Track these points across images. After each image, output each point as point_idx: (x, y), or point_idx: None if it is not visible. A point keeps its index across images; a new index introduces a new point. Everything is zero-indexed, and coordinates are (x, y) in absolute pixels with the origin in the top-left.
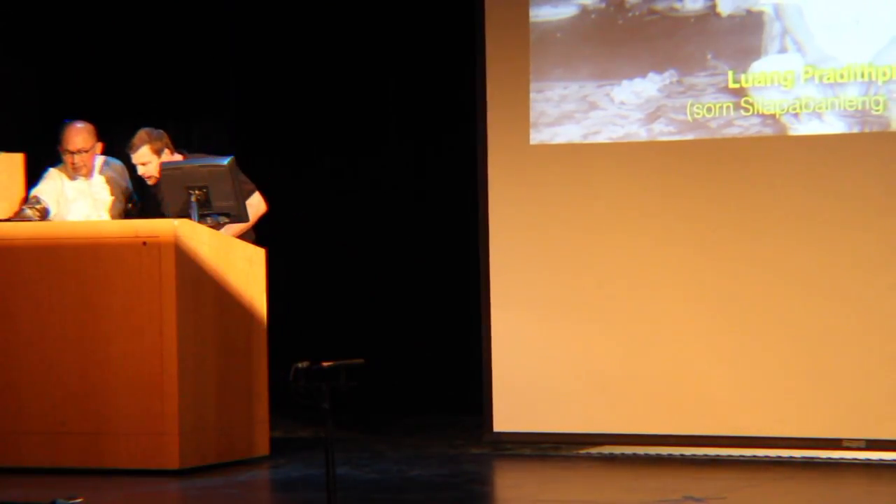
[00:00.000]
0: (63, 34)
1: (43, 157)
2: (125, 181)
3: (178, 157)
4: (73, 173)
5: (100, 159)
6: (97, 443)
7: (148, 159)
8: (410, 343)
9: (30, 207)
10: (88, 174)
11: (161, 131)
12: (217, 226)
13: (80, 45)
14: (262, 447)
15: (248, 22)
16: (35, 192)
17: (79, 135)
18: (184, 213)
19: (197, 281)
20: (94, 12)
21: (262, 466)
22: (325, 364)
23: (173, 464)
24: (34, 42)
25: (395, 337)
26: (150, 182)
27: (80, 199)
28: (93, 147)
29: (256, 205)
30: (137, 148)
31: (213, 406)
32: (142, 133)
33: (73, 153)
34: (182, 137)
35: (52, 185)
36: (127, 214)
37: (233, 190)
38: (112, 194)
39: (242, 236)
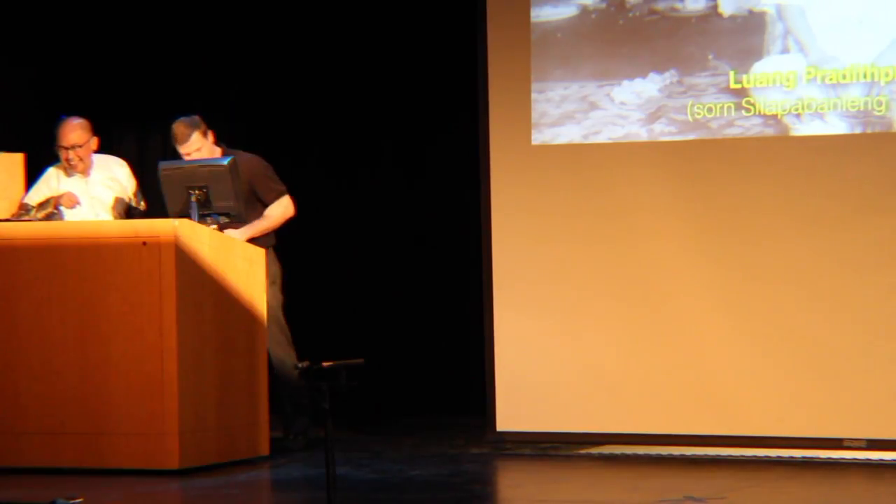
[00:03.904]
0: (63, 34)
1: (43, 157)
2: (126, 180)
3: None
4: (70, 170)
5: (98, 157)
6: (97, 443)
7: (200, 144)
8: (410, 343)
9: (19, 220)
10: (85, 171)
11: (194, 116)
12: (219, 226)
13: (80, 45)
14: (263, 447)
15: (248, 22)
16: (27, 199)
17: (73, 131)
18: (184, 213)
19: (197, 281)
20: (94, 12)
21: (262, 466)
22: (325, 364)
23: (173, 464)
24: (34, 42)
25: (396, 337)
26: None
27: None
28: (88, 142)
29: (285, 206)
30: (188, 137)
31: (214, 406)
32: (181, 125)
33: (67, 149)
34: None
35: (48, 187)
36: (130, 213)
37: (233, 190)
38: (110, 188)
39: (265, 237)
